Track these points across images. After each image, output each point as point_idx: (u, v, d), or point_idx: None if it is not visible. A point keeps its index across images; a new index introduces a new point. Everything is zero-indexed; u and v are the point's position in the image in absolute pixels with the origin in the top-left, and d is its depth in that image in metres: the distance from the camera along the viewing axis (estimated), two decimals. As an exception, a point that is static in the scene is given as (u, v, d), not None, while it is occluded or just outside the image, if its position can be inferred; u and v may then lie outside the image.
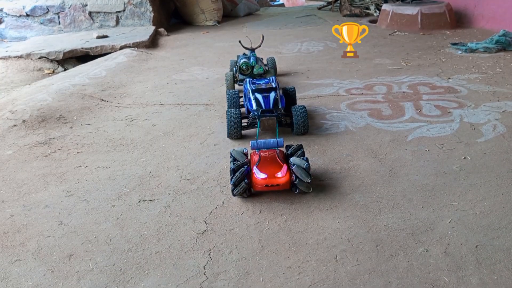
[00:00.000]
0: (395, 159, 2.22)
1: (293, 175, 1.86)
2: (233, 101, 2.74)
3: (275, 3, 12.01)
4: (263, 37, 3.66)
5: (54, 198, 2.00)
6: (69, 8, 6.39)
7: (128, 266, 1.54)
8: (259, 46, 3.56)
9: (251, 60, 3.23)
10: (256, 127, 2.43)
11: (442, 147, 2.31)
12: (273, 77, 2.72)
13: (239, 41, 3.58)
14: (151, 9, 6.49)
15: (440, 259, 1.49)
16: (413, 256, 1.52)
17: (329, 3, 8.46)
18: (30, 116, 2.93)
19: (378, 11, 6.97)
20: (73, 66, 4.86)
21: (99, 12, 6.45)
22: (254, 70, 3.17)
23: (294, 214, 1.80)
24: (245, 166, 1.88)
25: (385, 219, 1.73)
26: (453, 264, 1.47)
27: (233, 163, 1.92)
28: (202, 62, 4.55)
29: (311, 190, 1.91)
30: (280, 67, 3.96)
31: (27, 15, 6.40)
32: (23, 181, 2.17)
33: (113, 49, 5.16)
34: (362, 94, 3.22)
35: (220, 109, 3.04)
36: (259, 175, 1.86)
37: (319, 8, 8.54)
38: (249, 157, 2.04)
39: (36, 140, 2.64)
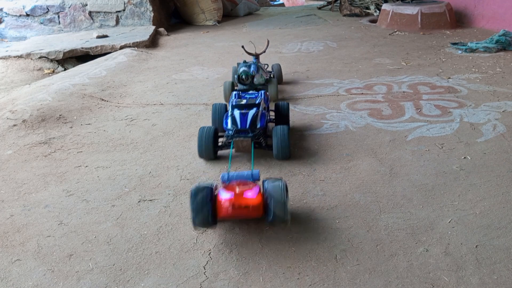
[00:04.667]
0: (395, 159, 2.22)
1: (267, 200, 1.56)
2: (218, 116, 2.45)
3: (275, 2, 12.01)
4: (268, 42, 3.48)
5: (54, 198, 2.00)
6: (69, 8, 6.39)
7: (128, 266, 1.54)
8: (264, 51, 3.35)
9: (252, 68, 2.95)
10: (231, 147, 2.17)
11: (442, 147, 2.31)
12: (263, 92, 2.47)
13: (242, 46, 3.31)
14: (151, 8, 6.49)
15: (440, 259, 1.50)
16: (413, 256, 1.52)
17: (329, 3, 8.46)
18: (30, 116, 2.93)
19: (378, 11, 6.97)
20: (73, 66, 4.86)
21: (99, 12, 6.45)
22: (255, 80, 2.89)
23: (294, 214, 1.80)
24: (209, 187, 1.59)
25: (385, 219, 1.73)
26: (453, 264, 1.47)
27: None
28: (202, 61, 4.55)
29: (289, 222, 1.61)
30: (281, 67, 3.95)
31: (27, 15, 6.40)
32: (23, 181, 2.17)
33: (113, 49, 5.16)
34: (362, 94, 3.22)
35: (220, 109, 3.04)
36: (223, 195, 1.57)
37: (319, 8, 8.54)
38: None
39: (36, 140, 2.64)
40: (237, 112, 2.23)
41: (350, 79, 3.62)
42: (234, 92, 2.49)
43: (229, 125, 2.21)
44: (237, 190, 1.58)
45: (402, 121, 2.67)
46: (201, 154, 2.24)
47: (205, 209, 1.54)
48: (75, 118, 2.98)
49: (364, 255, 1.54)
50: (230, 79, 3.53)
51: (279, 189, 1.56)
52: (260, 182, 1.67)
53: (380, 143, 2.40)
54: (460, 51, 4.36)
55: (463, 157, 2.19)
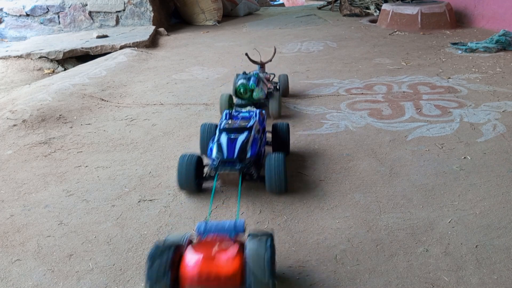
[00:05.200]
0: (395, 159, 2.22)
1: (246, 271, 1.20)
2: (208, 139, 2.13)
3: (275, 2, 12.01)
4: (275, 49, 3.23)
5: (54, 198, 2.00)
6: (69, 7, 6.39)
7: (128, 266, 1.54)
8: (270, 60, 3.09)
9: (251, 81, 2.65)
10: (215, 181, 1.85)
11: (442, 147, 2.31)
12: (258, 111, 2.15)
13: (246, 54, 3.07)
14: (151, 8, 6.49)
15: (440, 259, 1.49)
16: (413, 256, 1.52)
17: (329, 3, 8.46)
18: (30, 116, 2.93)
19: (378, 11, 6.98)
20: (73, 66, 4.86)
21: (99, 12, 6.45)
22: (254, 94, 2.61)
23: (294, 214, 1.80)
24: (172, 249, 1.22)
25: (385, 219, 1.73)
26: (453, 264, 1.47)
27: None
28: (202, 61, 4.55)
29: None
30: (281, 67, 3.96)
31: (27, 15, 6.40)
32: (23, 181, 2.17)
33: (113, 49, 5.16)
34: (362, 94, 3.22)
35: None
36: (190, 259, 1.20)
37: (319, 8, 8.54)
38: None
39: (36, 140, 2.64)
40: (224, 138, 1.88)
41: (350, 79, 3.62)
42: (225, 111, 2.17)
43: (214, 154, 1.85)
44: (209, 251, 1.21)
45: (402, 121, 2.67)
46: (181, 186, 1.92)
47: (163, 281, 1.16)
48: (75, 118, 2.98)
49: (364, 255, 1.54)
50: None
51: (262, 263, 1.18)
52: (246, 235, 1.32)
53: (380, 143, 2.40)
54: (460, 51, 4.36)
55: (463, 157, 2.19)
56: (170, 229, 1.73)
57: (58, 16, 6.43)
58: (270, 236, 1.28)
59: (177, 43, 5.64)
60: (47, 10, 6.39)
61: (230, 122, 2.02)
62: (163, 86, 3.70)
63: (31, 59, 4.94)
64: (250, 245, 1.23)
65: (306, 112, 2.90)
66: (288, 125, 2.21)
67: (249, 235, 1.29)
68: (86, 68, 4.38)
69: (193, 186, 1.90)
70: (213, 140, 1.95)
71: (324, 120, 2.75)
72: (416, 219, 1.72)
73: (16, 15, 6.41)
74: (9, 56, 4.91)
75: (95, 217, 1.84)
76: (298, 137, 2.51)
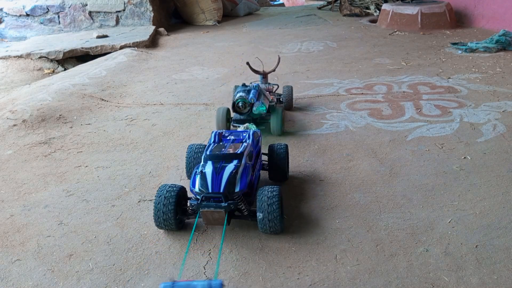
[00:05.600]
0: (395, 159, 2.22)
1: None
2: (192, 165, 1.93)
3: (275, 2, 12.01)
4: (279, 58, 3.01)
5: (54, 198, 2.00)
6: (69, 7, 6.39)
7: (128, 266, 1.54)
8: (274, 70, 2.86)
9: (251, 95, 2.41)
10: (196, 220, 1.60)
11: (442, 147, 2.31)
12: (251, 132, 1.90)
13: (247, 63, 2.83)
14: (151, 8, 6.49)
15: (440, 259, 1.49)
16: (413, 256, 1.52)
17: (329, 3, 8.46)
18: (30, 116, 2.93)
19: (378, 11, 6.98)
20: (73, 66, 4.86)
21: (99, 12, 6.45)
22: (254, 109, 2.37)
23: (294, 214, 1.80)
24: None
25: (385, 219, 1.73)
26: (453, 264, 1.47)
27: None
28: (202, 61, 4.55)
29: None
30: (281, 67, 3.95)
31: (27, 15, 6.40)
32: (23, 181, 2.17)
33: (113, 49, 5.16)
34: (362, 93, 3.22)
35: (220, 109, 3.04)
36: None
37: (319, 8, 8.54)
38: None
39: (36, 140, 2.64)
40: (209, 168, 1.62)
41: (350, 79, 3.62)
42: (214, 132, 1.90)
43: (197, 187, 1.59)
44: None
45: (402, 121, 2.67)
46: (158, 225, 1.64)
47: None
48: (75, 118, 2.98)
49: (364, 255, 1.54)
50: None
51: None
52: None
53: (380, 143, 2.40)
54: (460, 51, 4.36)
55: (463, 157, 2.19)
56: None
57: (58, 16, 6.43)
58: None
59: (177, 43, 5.64)
60: (47, 10, 6.39)
61: (218, 146, 1.78)
62: (163, 86, 3.70)
63: (31, 59, 4.94)
64: None
65: (306, 112, 2.90)
66: (286, 146, 1.99)
67: None
68: (86, 68, 4.38)
69: (172, 225, 1.62)
70: (197, 168, 1.67)
71: (324, 120, 2.75)
72: (416, 219, 1.72)
73: (16, 15, 6.41)
74: (9, 56, 4.91)
75: (95, 217, 1.84)
76: (298, 137, 2.51)
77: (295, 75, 3.81)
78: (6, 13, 6.39)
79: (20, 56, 4.92)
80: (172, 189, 1.63)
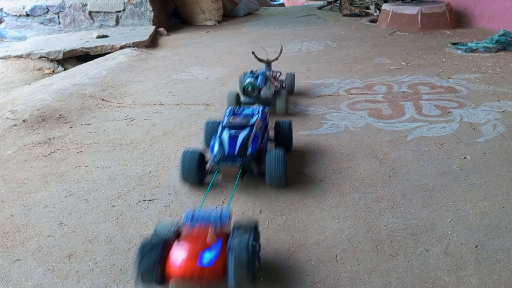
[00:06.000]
0: (395, 159, 2.22)
1: (229, 262, 1.27)
2: (210, 135, 2.20)
3: (275, 2, 12.01)
4: (281, 48, 3.30)
5: (54, 198, 2.00)
6: (69, 7, 6.39)
7: (128, 266, 1.54)
8: (277, 59, 3.17)
9: (259, 80, 2.71)
10: (216, 174, 1.98)
11: (442, 147, 2.31)
12: (261, 108, 2.20)
13: (253, 52, 3.12)
14: (151, 8, 6.49)
15: (440, 259, 1.49)
16: (413, 256, 1.52)
17: (329, 3, 8.46)
18: (30, 116, 2.93)
19: (378, 11, 6.98)
20: (73, 66, 4.86)
21: (99, 12, 6.45)
22: (262, 92, 2.67)
23: (294, 214, 1.80)
24: (160, 246, 1.31)
25: (385, 219, 1.73)
26: (453, 264, 1.47)
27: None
28: (202, 61, 4.55)
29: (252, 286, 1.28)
30: (281, 67, 3.95)
31: (27, 15, 6.40)
32: (23, 181, 2.17)
33: (113, 49, 5.16)
34: (362, 93, 3.22)
35: (221, 108, 3.04)
36: (176, 256, 1.29)
37: (319, 8, 8.55)
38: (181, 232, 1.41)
39: (36, 140, 2.64)
40: (225, 135, 1.95)
41: (350, 79, 3.62)
42: (229, 108, 2.22)
43: (216, 150, 1.92)
44: (194, 248, 1.28)
45: (402, 121, 2.67)
46: (185, 180, 1.99)
47: (152, 275, 1.28)
48: (75, 118, 2.98)
49: (364, 255, 1.54)
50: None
51: (245, 252, 1.25)
52: (231, 225, 1.41)
53: (380, 143, 2.40)
54: (460, 51, 4.36)
55: (463, 157, 2.19)
56: (170, 229, 1.73)
57: (58, 16, 6.43)
58: (253, 230, 1.35)
59: (177, 43, 5.64)
60: (47, 10, 6.40)
61: (232, 119, 2.07)
62: (163, 86, 3.70)
63: (31, 59, 4.94)
64: (234, 243, 1.28)
65: (306, 112, 2.90)
66: (290, 123, 2.26)
67: (233, 230, 1.36)
68: (86, 68, 4.38)
69: (196, 180, 1.97)
70: (215, 136, 2.00)
71: (324, 120, 2.75)
72: (416, 219, 1.72)
73: (16, 15, 6.41)
74: (9, 56, 4.91)
75: (95, 217, 1.84)
76: (298, 137, 2.51)
77: (295, 75, 3.81)
78: (6, 13, 6.40)
79: (20, 56, 4.92)
80: (194, 151, 1.99)
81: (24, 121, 2.87)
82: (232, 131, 1.96)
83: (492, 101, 2.93)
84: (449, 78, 3.50)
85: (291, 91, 3.18)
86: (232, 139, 1.92)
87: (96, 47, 5.15)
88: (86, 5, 6.39)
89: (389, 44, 4.95)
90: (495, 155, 2.20)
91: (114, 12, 6.48)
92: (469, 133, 2.46)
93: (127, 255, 1.60)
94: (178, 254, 1.29)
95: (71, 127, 2.83)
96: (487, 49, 4.27)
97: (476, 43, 4.38)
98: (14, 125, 2.83)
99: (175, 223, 1.43)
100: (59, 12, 6.41)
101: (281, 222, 1.75)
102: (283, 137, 2.24)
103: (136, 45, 5.23)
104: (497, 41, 4.31)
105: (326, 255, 1.55)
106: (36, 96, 3.32)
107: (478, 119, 2.64)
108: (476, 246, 1.55)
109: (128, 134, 2.70)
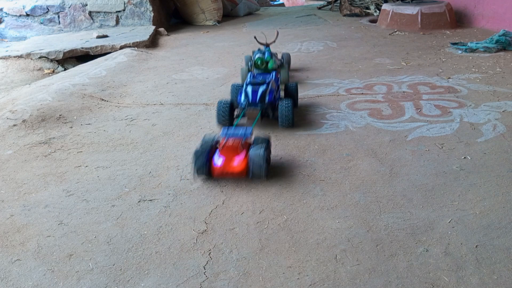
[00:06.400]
0: (395, 159, 2.22)
1: (250, 164, 1.99)
2: (235, 93, 2.93)
3: (275, 2, 12.02)
4: (277, 33, 3.90)
5: (54, 198, 2.00)
6: (69, 8, 6.39)
7: (128, 265, 1.54)
8: (274, 41, 3.72)
9: (266, 55, 3.34)
10: (242, 117, 2.63)
11: (442, 147, 2.31)
12: (274, 73, 2.92)
13: (254, 37, 3.77)
14: (151, 8, 6.49)
15: (440, 259, 1.50)
16: (413, 256, 1.52)
17: (329, 3, 8.46)
18: (30, 116, 2.93)
19: (378, 11, 6.98)
20: (73, 66, 4.86)
21: (99, 12, 6.45)
22: (269, 65, 3.22)
23: (294, 214, 1.80)
24: (207, 151, 2.03)
25: (385, 219, 1.73)
26: (453, 264, 1.47)
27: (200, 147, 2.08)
28: (202, 61, 4.55)
29: (264, 177, 2.02)
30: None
31: (27, 15, 6.40)
32: (23, 181, 2.17)
33: (113, 49, 5.16)
34: (362, 93, 3.22)
35: (220, 109, 3.04)
36: (216, 162, 2.02)
37: (319, 8, 8.55)
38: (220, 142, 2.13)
39: (36, 140, 2.64)
40: (249, 88, 2.60)
41: (350, 79, 3.62)
42: (250, 73, 2.88)
43: (242, 99, 2.60)
44: (228, 155, 2.00)
45: (402, 121, 2.67)
46: (219, 121, 2.63)
47: (203, 170, 2.01)
48: (75, 118, 2.99)
49: (364, 255, 1.54)
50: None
51: (259, 158, 1.97)
52: (252, 137, 2.13)
53: (380, 143, 2.40)
54: (460, 51, 4.36)
55: (463, 157, 2.19)
56: (170, 229, 1.73)
57: (58, 16, 6.43)
58: (266, 143, 2.08)
59: (177, 43, 5.64)
60: (47, 10, 6.40)
61: (254, 78, 2.75)
62: (163, 86, 3.70)
63: (31, 59, 4.94)
64: (252, 152, 2.00)
65: (306, 112, 2.90)
66: (296, 84, 2.92)
67: (253, 142, 2.10)
68: (86, 68, 4.38)
69: (227, 122, 2.61)
70: (241, 91, 2.66)
71: (324, 120, 2.75)
72: (416, 219, 1.72)
73: (16, 15, 6.41)
74: (9, 56, 4.91)
75: (95, 217, 1.84)
76: (298, 137, 2.51)
77: (295, 75, 3.81)
78: (6, 13, 6.39)
79: (20, 56, 4.92)
80: (226, 101, 2.64)
81: (24, 121, 2.87)
82: (255, 86, 2.61)
83: (492, 101, 2.93)
84: (449, 78, 3.50)
85: (288, 65, 3.83)
86: (254, 91, 2.58)
87: (96, 47, 5.15)
88: (86, 5, 6.39)
89: (389, 44, 4.95)
90: (495, 155, 2.20)
91: (114, 12, 6.48)
92: (469, 133, 2.46)
93: (127, 255, 1.60)
94: (218, 159, 2.01)
95: (71, 127, 2.83)
96: (487, 49, 4.27)
97: (476, 43, 4.38)
98: (14, 125, 2.83)
99: (215, 135, 2.13)
100: (59, 12, 6.41)
101: (281, 222, 1.75)
102: (291, 94, 2.87)
103: (136, 45, 5.23)
104: (497, 41, 4.31)
105: (326, 255, 1.55)
106: (36, 96, 3.32)
107: (478, 119, 2.64)
108: (476, 246, 1.55)
109: (128, 134, 2.70)
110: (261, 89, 2.58)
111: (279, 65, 3.41)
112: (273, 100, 2.63)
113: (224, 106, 2.61)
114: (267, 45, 3.56)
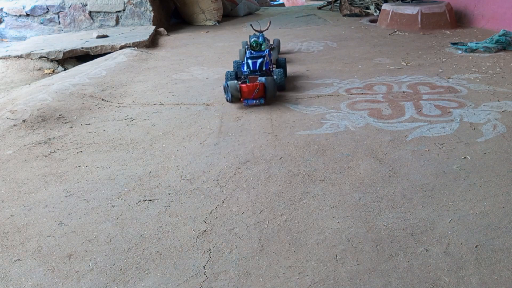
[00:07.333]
0: (395, 159, 2.22)
1: (266, 89, 3.00)
2: (237, 66, 3.63)
3: (275, 2, 12.01)
4: (270, 22, 4.58)
5: (54, 198, 2.00)
6: (69, 7, 6.39)
7: (128, 265, 1.54)
8: (267, 29, 4.38)
9: (260, 39, 3.91)
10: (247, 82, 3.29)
11: (442, 147, 2.31)
12: (267, 50, 3.62)
13: (250, 24, 4.73)
14: (151, 8, 6.49)
15: (440, 259, 1.50)
16: (413, 256, 1.52)
17: (329, 3, 8.46)
18: (30, 115, 2.93)
19: (378, 11, 6.98)
20: (73, 66, 4.86)
21: (99, 12, 6.45)
22: (262, 47, 3.66)
23: (294, 214, 1.80)
24: (237, 81, 3.01)
25: (385, 219, 1.73)
26: (453, 264, 1.47)
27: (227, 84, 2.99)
28: (202, 61, 4.55)
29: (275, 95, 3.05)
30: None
31: (27, 15, 6.40)
32: (23, 181, 2.17)
33: (113, 49, 5.16)
34: (362, 93, 3.22)
35: (220, 108, 3.05)
36: (244, 87, 2.98)
37: (319, 8, 8.54)
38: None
39: (36, 140, 2.64)
40: (250, 61, 3.35)
41: (350, 79, 3.62)
42: (248, 51, 3.52)
43: (245, 68, 3.36)
44: (253, 82, 3.04)
45: (402, 121, 2.67)
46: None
47: (236, 92, 2.96)
48: (75, 118, 2.99)
49: (364, 255, 1.54)
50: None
51: (272, 84, 3.01)
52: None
53: (380, 143, 2.40)
54: (460, 51, 4.36)
55: (463, 157, 2.19)
56: (170, 229, 1.73)
57: (58, 16, 6.43)
58: (278, 73, 3.27)
59: (177, 43, 5.64)
60: (47, 10, 6.39)
61: (251, 55, 3.44)
62: (163, 86, 3.70)
63: (31, 59, 4.94)
64: (267, 80, 3.02)
65: (306, 112, 2.91)
66: (285, 59, 3.72)
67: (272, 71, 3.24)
68: (86, 68, 4.38)
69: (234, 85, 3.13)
70: (242, 64, 3.46)
71: (324, 120, 2.75)
72: (416, 219, 1.72)
73: (16, 15, 6.41)
74: (9, 56, 4.91)
75: (95, 217, 1.84)
76: (298, 137, 2.52)
77: (295, 75, 3.81)
78: (6, 13, 6.39)
79: (20, 56, 4.92)
80: (233, 70, 3.43)
81: (24, 121, 2.87)
82: (254, 59, 3.36)
83: (492, 101, 2.93)
84: (449, 78, 3.50)
85: (278, 49, 4.42)
86: (254, 62, 3.33)
87: (96, 47, 5.15)
88: (86, 5, 6.39)
89: (389, 44, 4.95)
90: (495, 155, 2.20)
91: (114, 12, 6.48)
92: (469, 133, 2.46)
93: (127, 255, 1.60)
94: (245, 86, 3.00)
95: (71, 127, 2.83)
96: (487, 49, 4.27)
97: (476, 43, 4.38)
98: (14, 125, 2.83)
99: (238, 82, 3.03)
100: (59, 12, 6.41)
101: (281, 222, 1.75)
102: (282, 66, 3.63)
103: (136, 45, 5.23)
104: (497, 41, 4.31)
105: (326, 255, 1.55)
106: (36, 96, 3.32)
107: (478, 119, 2.64)
108: (476, 246, 1.55)
109: (128, 134, 2.70)
110: (259, 61, 3.34)
111: (270, 48, 3.98)
112: (268, 69, 3.39)
113: (231, 74, 3.37)
114: (260, 32, 4.20)
